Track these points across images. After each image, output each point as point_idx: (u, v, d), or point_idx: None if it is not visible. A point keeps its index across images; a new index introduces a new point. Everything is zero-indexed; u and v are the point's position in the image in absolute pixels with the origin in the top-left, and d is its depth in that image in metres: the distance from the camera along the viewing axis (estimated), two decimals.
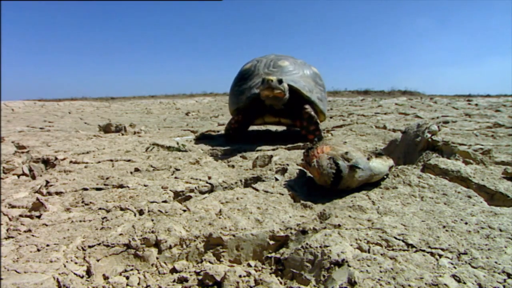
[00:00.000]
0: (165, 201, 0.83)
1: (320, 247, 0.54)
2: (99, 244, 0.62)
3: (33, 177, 1.13)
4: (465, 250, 0.52)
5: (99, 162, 1.29)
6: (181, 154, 1.43)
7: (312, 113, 1.66)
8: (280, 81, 1.50)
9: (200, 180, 1.00)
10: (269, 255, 0.60)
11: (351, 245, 0.55)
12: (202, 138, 1.97)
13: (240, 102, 1.78)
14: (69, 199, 0.88)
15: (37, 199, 0.80)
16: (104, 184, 1.01)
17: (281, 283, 0.52)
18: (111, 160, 1.31)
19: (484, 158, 1.05)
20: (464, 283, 0.44)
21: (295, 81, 1.70)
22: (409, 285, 0.44)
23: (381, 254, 0.52)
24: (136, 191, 0.92)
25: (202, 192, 0.90)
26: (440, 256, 0.51)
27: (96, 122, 3.05)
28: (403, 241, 0.55)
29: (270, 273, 0.55)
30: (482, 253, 0.51)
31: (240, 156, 1.36)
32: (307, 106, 1.67)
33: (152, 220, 0.71)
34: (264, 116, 1.77)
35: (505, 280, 0.44)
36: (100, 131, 2.32)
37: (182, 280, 0.54)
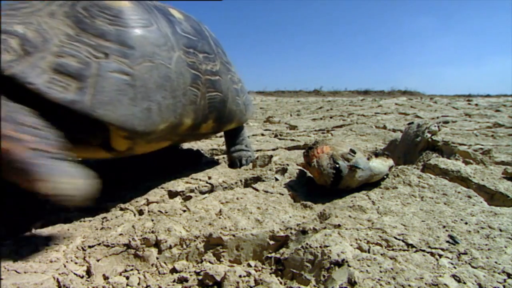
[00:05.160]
0: (165, 201, 0.83)
1: (320, 247, 0.54)
2: (99, 244, 0.62)
3: None
4: (465, 250, 0.52)
5: (98, 161, 1.29)
6: (181, 154, 1.43)
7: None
8: None
9: (200, 180, 1.00)
10: (269, 255, 0.60)
11: (351, 245, 0.55)
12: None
13: None
14: None
15: (37, 199, 0.80)
16: (104, 184, 1.01)
17: (281, 283, 0.52)
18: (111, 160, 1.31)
19: (484, 158, 1.05)
20: (464, 283, 0.44)
21: None
22: (409, 285, 0.44)
23: (381, 254, 0.52)
24: (136, 191, 0.92)
25: (202, 192, 0.90)
26: (440, 256, 0.51)
27: None
28: (403, 241, 0.55)
29: (270, 273, 0.55)
30: (482, 253, 0.51)
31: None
32: None
33: (152, 220, 0.71)
34: None
35: (505, 280, 0.44)
36: None
37: (182, 280, 0.54)
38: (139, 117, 0.72)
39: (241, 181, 0.98)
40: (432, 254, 0.52)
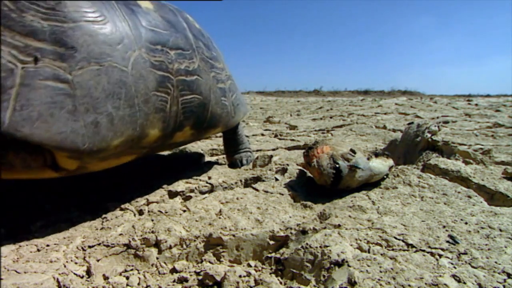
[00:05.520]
0: (165, 201, 0.83)
1: (320, 247, 0.54)
2: (99, 244, 0.62)
3: None
4: (465, 250, 0.52)
5: None
6: (181, 154, 1.43)
7: None
8: None
9: (200, 180, 1.00)
10: (269, 255, 0.60)
11: (351, 245, 0.55)
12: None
13: None
14: (69, 198, 0.88)
15: (37, 199, 0.80)
16: (104, 184, 1.01)
17: (281, 283, 0.52)
18: None
19: (484, 158, 1.05)
20: (464, 283, 0.44)
21: None
22: (409, 285, 0.44)
23: (381, 254, 0.52)
24: (136, 191, 0.92)
25: (202, 192, 0.90)
26: (440, 256, 0.51)
27: None
28: (403, 241, 0.55)
29: (270, 273, 0.55)
30: (482, 253, 0.51)
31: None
32: None
33: (152, 220, 0.71)
34: None
35: (505, 280, 0.44)
36: None
37: (182, 280, 0.54)
38: (82, 134, 0.59)
39: (241, 181, 0.98)
40: (432, 254, 0.52)
